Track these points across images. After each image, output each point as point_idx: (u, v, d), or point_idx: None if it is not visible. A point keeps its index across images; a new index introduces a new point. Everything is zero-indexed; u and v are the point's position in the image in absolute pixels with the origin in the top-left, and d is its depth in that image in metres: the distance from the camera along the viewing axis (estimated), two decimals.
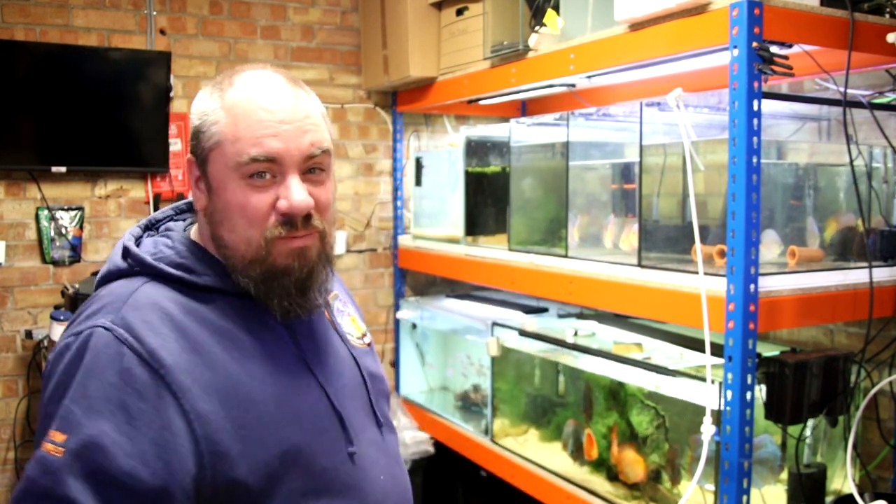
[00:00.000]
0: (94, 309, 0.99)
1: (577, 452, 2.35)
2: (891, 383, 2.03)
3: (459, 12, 2.81)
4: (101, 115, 2.93)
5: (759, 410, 1.74)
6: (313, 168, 1.05)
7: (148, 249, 1.05)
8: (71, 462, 0.87)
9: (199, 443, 0.93)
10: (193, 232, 1.12)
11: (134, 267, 1.04)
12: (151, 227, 1.15)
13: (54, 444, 0.88)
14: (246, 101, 1.02)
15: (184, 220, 1.17)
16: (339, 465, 1.05)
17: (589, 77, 2.33)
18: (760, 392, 1.77)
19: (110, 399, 0.90)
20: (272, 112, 1.01)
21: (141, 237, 1.10)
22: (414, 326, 3.33)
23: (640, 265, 1.99)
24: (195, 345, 0.97)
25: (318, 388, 1.07)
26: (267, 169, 1.01)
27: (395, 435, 1.23)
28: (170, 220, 1.16)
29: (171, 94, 3.07)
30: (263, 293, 1.03)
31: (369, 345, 1.25)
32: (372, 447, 1.12)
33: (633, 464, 2.12)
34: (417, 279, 3.59)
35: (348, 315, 1.24)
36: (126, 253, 1.05)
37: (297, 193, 1.01)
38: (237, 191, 1.01)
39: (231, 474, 0.94)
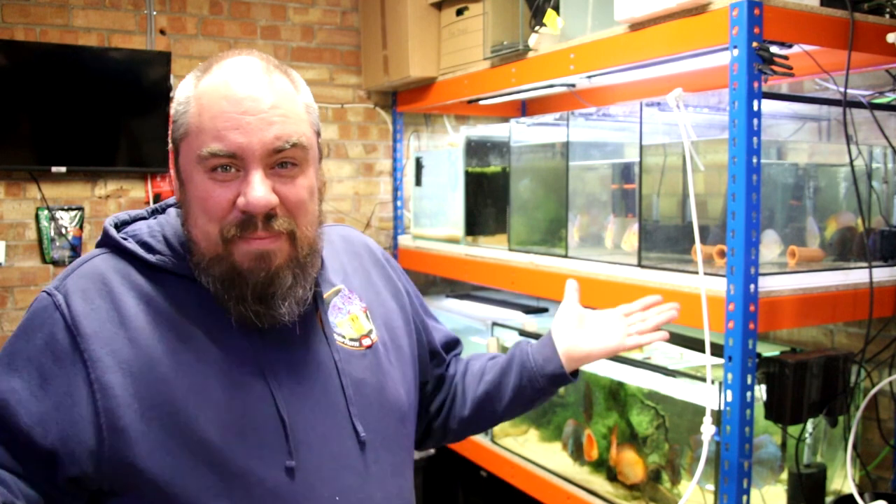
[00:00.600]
0: (57, 278, 1.02)
1: (577, 452, 2.35)
2: (891, 383, 2.03)
3: (459, 12, 2.81)
4: (101, 115, 2.93)
5: (760, 410, 1.74)
6: (284, 162, 0.97)
7: (134, 227, 1.05)
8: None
9: (99, 414, 0.92)
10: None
11: (102, 241, 1.04)
12: (161, 211, 1.11)
13: None
14: (213, 90, 0.96)
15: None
16: (268, 475, 0.96)
17: (589, 77, 2.33)
18: (760, 392, 1.77)
19: (31, 360, 0.94)
20: (237, 102, 0.95)
21: (145, 218, 1.09)
22: None
23: (640, 265, 1.99)
24: (124, 319, 0.96)
25: (264, 391, 0.98)
26: (229, 163, 0.95)
27: (395, 453, 1.09)
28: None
29: (171, 94, 3.07)
30: (221, 295, 0.98)
31: (369, 346, 1.11)
32: (332, 463, 1.01)
33: (633, 465, 2.12)
34: (417, 279, 3.59)
35: (349, 313, 1.12)
36: (104, 229, 1.06)
37: (255, 190, 0.94)
38: (200, 184, 0.96)
39: (129, 454, 0.91)
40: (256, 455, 0.96)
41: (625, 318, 1.31)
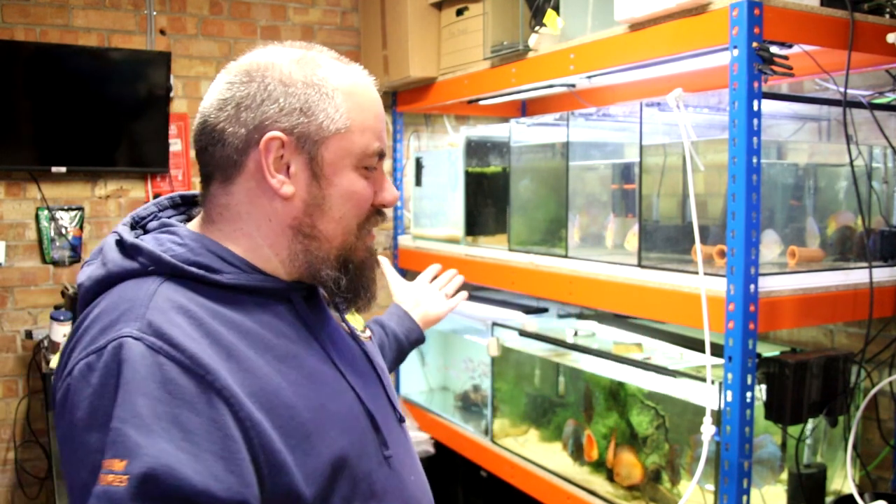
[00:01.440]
0: (109, 319, 0.85)
1: (577, 453, 2.35)
2: (891, 383, 2.03)
3: (459, 12, 2.81)
4: (100, 115, 2.93)
5: (760, 410, 1.74)
6: None
7: (156, 247, 0.92)
8: (137, 489, 0.76)
9: (256, 453, 0.84)
10: (195, 226, 0.99)
11: (148, 266, 0.90)
12: (137, 224, 1.00)
13: (114, 473, 0.76)
14: (363, 88, 0.99)
15: (168, 216, 1.04)
16: (376, 468, 0.98)
17: (589, 77, 2.33)
18: (760, 392, 1.77)
19: (160, 416, 0.79)
20: (381, 106, 1.02)
21: (140, 234, 0.98)
22: None
23: (640, 265, 1.99)
24: (228, 350, 0.87)
25: (349, 390, 0.99)
26: (378, 164, 1.00)
27: (407, 428, 1.17)
28: (154, 218, 1.02)
29: (171, 95, 3.07)
30: (349, 287, 0.99)
31: (370, 338, 1.18)
32: (400, 448, 1.06)
33: (631, 467, 2.12)
34: None
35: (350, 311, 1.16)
36: (135, 250, 0.91)
37: (394, 188, 1.02)
38: (354, 180, 0.96)
39: (288, 485, 0.86)
40: (367, 453, 0.98)
41: (433, 285, 1.69)
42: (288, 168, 0.94)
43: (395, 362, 1.53)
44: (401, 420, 1.11)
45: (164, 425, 0.79)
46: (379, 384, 1.08)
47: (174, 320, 0.85)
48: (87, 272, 0.94)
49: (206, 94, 0.98)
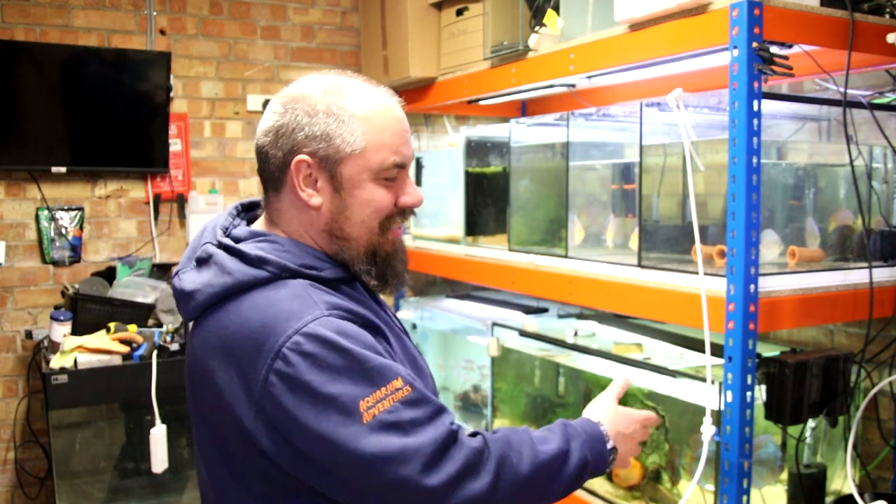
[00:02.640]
0: (289, 310, 1.05)
1: None
2: (891, 383, 2.03)
3: (459, 12, 2.81)
4: (100, 115, 2.93)
5: (760, 411, 1.74)
6: None
7: (272, 256, 1.11)
8: (419, 389, 1.07)
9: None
10: (261, 226, 1.21)
11: (277, 273, 1.10)
12: (226, 235, 1.19)
13: (399, 389, 1.03)
14: (381, 111, 1.16)
15: (237, 223, 1.23)
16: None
17: (589, 77, 2.32)
18: (760, 392, 1.77)
19: (370, 345, 1.06)
20: (402, 122, 1.19)
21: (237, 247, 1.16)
22: (414, 327, 3.33)
23: (640, 265, 1.99)
24: (372, 312, 1.15)
25: (425, 363, 1.25)
26: (398, 173, 1.17)
27: None
28: (232, 227, 1.21)
29: (171, 95, 3.07)
30: (379, 275, 1.19)
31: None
32: None
33: (630, 469, 2.12)
34: (417, 279, 3.59)
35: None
36: (261, 261, 1.10)
37: (419, 192, 1.21)
38: (374, 190, 1.15)
39: None
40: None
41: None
42: (316, 183, 1.15)
43: None
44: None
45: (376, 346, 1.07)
46: (427, 369, 1.31)
47: (335, 297, 1.10)
48: (203, 280, 1.12)
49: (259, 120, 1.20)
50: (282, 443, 1.02)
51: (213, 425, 1.12)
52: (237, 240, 1.16)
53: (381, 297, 1.30)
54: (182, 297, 1.15)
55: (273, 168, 1.15)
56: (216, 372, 1.08)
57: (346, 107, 1.13)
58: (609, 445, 1.24)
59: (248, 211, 1.28)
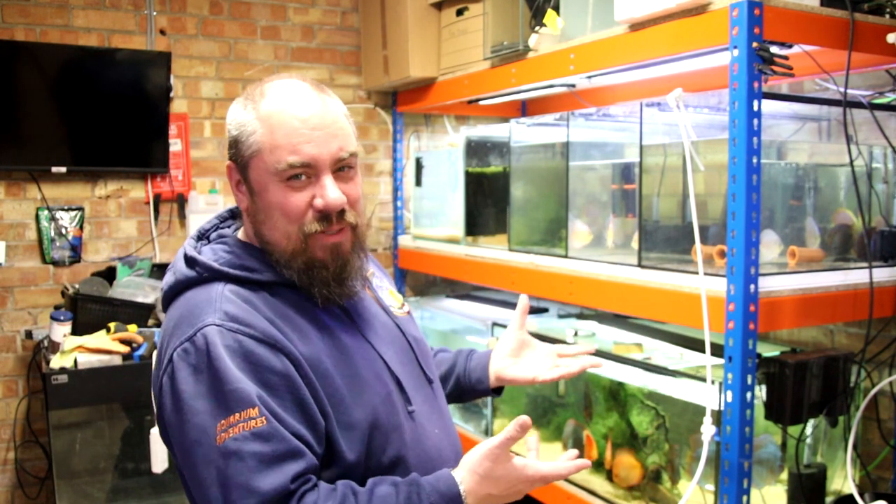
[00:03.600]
0: (191, 315, 1.08)
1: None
2: (891, 383, 2.03)
3: (459, 12, 2.81)
4: (101, 115, 2.93)
5: (760, 410, 1.74)
6: (342, 167, 1.15)
7: (209, 256, 1.15)
8: (272, 426, 1.01)
9: (317, 401, 1.07)
10: (241, 234, 1.22)
11: (203, 273, 1.13)
12: (202, 236, 1.24)
13: (253, 418, 1.00)
14: (280, 111, 1.12)
15: (229, 226, 1.26)
16: (403, 422, 1.16)
17: (589, 77, 2.33)
18: (760, 392, 1.77)
19: (252, 377, 1.03)
20: (304, 121, 1.11)
21: (196, 247, 1.20)
22: None
23: (640, 265, 1.99)
24: (280, 329, 1.09)
25: (377, 357, 1.18)
26: (303, 172, 1.11)
27: (440, 389, 1.34)
28: (216, 229, 1.25)
29: (171, 94, 3.07)
30: (305, 283, 1.14)
31: (408, 313, 1.36)
32: (426, 405, 1.24)
33: (630, 469, 2.12)
34: (417, 279, 3.59)
35: (386, 289, 1.36)
36: (192, 262, 1.15)
37: (331, 192, 1.12)
38: (277, 192, 1.12)
39: (334, 440, 1.08)
40: (395, 410, 1.16)
41: (556, 357, 1.45)
42: (239, 186, 1.18)
43: (454, 398, 1.49)
44: (430, 382, 1.28)
45: (257, 385, 1.02)
46: (409, 351, 1.27)
47: (241, 306, 1.08)
48: (165, 280, 1.19)
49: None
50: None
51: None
52: (208, 240, 1.22)
53: (364, 291, 1.26)
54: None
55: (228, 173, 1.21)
56: None
57: (257, 109, 1.13)
58: None
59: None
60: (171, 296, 1.17)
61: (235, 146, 1.15)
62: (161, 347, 1.12)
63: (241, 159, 1.15)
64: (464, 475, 1.09)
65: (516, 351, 1.46)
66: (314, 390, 1.07)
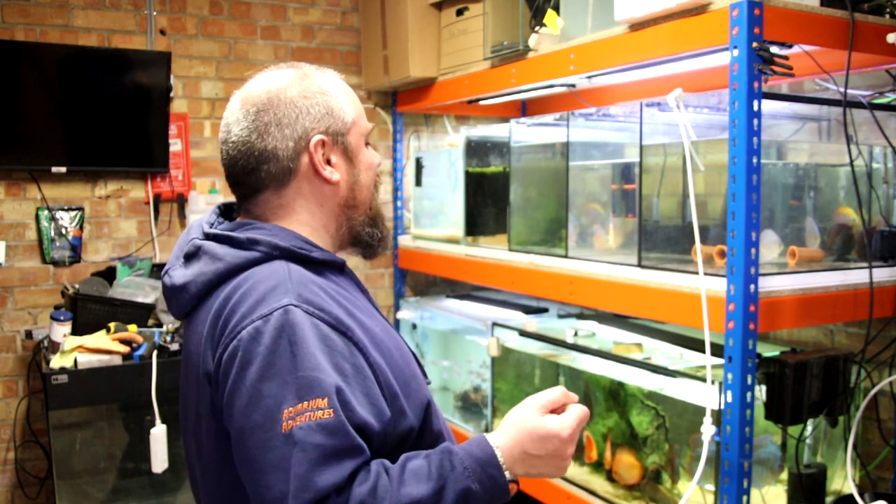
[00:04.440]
0: (261, 293, 1.05)
1: (577, 453, 2.35)
2: (891, 384, 2.03)
3: (459, 12, 2.81)
4: (101, 115, 2.93)
5: (760, 411, 1.74)
6: None
7: (251, 237, 1.13)
8: (338, 419, 0.98)
9: (382, 389, 1.07)
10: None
11: (270, 252, 1.11)
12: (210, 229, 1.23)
13: (321, 409, 0.97)
14: (346, 86, 1.25)
15: (220, 222, 1.24)
16: (428, 396, 1.18)
17: (589, 77, 2.33)
18: (760, 392, 1.77)
19: (330, 364, 1.01)
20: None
21: (237, 231, 1.17)
22: (414, 327, 3.33)
23: (640, 265, 1.99)
24: (348, 310, 1.09)
25: (401, 338, 1.24)
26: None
27: None
28: (217, 224, 1.22)
29: (171, 95, 3.07)
30: (376, 238, 1.25)
31: None
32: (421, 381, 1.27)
33: (630, 468, 2.12)
34: (417, 279, 3.59)
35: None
36: (252, 243, 1.12)
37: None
38: (367, 153, 1.25)
39: (404, 419, 1.09)
40: (422, 385, 1.19)
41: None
42: (330, 161, 1.18)
43: None
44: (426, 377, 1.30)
45: (331, 370, 1.01)
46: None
47: (314, 290, 1.07)
48: (194, 271, 1.13)
49: (226, 130, 1.17)
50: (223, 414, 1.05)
51: (208, 422, 1.10)
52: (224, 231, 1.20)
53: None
54: (174, 292, 1.15)
55: (284, 161, 1.15)
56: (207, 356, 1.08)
57: (328, 84, 1.22)
58: (508, 476, 1.05)
59: (226, 213, 1.27)
60: (218, 283, 1.11)
61: (331, 117, 1.18)
62: (219, 324, 1.06)
63: (341, 128, 1.20)
64: (496, 435, 1.08)
65: None
66: (380, 372, 1.07)
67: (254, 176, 1.15)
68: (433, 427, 1.16)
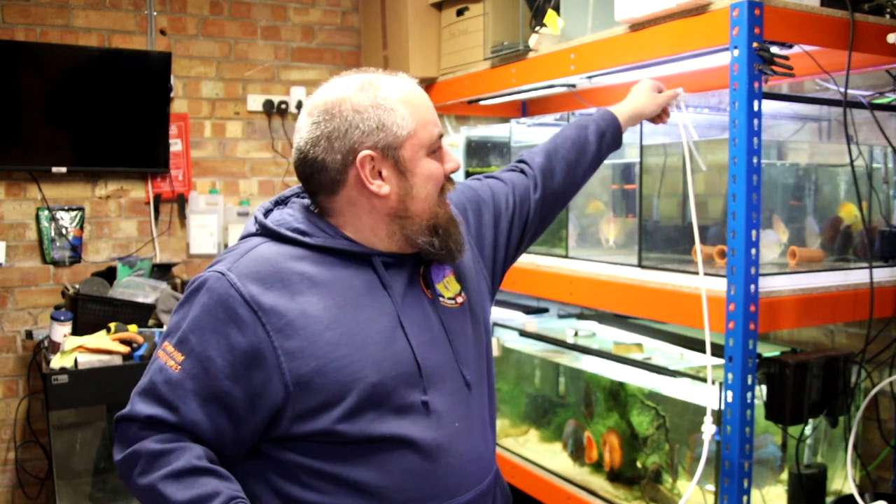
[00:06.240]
0: (219, 258, 1.21)
1: (578, 453, 2.35)
2: (891, 384, 2.03)
3: (460, 13, 2.82)
4: (101, 115, 2.93)
5: (760, 411, 1.74)
6: None
7: (275, 217, 1.25)
8: (185, 378, 1.12)
9: (284, 374, 1.13)
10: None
11: (259, 230, 1.24)
12: (281, 202, 1.32)
13: (174, 360, 1.14)
14: (414, 94, 1.23)
15: (304, 197, 1.32)
16: (411, 405, 1.20)
17: (589, 77, 2.33)
18: (761, 392, 1.77)
19: (217, 331, 1.13)
20: (429, 99, 1.27)
21: (271, 209, 1.30)
22: None
23: (640, 265, 1.99)
24: (294, 293, 1.16)
25: (403, 339, 1.22)
26: (439, 143, 1.26)
27: (487, 398, 1.35)
28: (296, 196, 1.32)
29: (172, 95, 3.08)
30: (441, 245, 1.25)
31: (461, 304, 1.35)
32: (452, 397, 1.26)
33: (617, 449, 2.13)
34: None
35: (444, 276, 1.36)
36: (256, 220, 1.26)
37: (455, 155, 1.28)
38: (429, 164, 1.24)
39: (313, 403, 1.14)
40: (402, 393, 1.20)
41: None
42: (381, 173, 1.21)
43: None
44: (468, 384, 1.29)
45: (218, 339, 1.12)
46: (447, 347, 1.28)
47: (256, 267, 1.16)
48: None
49: (296, 133, 1.24)
50: None
51: None
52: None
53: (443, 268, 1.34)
54: None
55: (332, 173, 1.20)
56: None
57: (387, 96, 1.21)
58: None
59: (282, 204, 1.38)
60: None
61: (382, 131, 1.20)
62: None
63: (393, 142, 1.20)
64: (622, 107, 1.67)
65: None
66: (285, 356, 1.13)
67: (310, 181, 1.24)
68: (376, 430, 1.17)
